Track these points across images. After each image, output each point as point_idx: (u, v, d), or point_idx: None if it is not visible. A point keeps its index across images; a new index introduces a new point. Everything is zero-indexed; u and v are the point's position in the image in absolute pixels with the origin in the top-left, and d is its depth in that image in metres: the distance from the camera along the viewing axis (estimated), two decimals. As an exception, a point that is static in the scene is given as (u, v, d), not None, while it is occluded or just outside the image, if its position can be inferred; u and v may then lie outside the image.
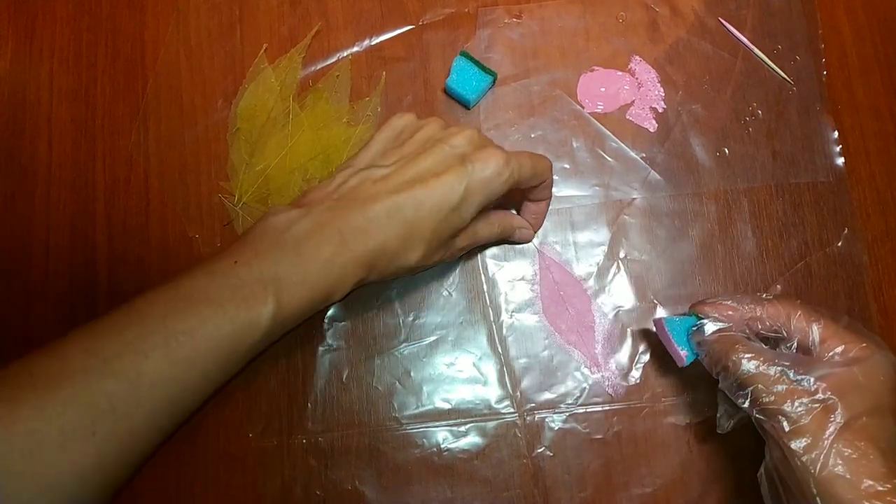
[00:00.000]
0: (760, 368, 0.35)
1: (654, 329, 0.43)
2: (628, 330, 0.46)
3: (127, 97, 0.50)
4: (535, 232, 0.47)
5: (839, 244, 0.47)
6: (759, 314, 0.37)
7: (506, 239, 0.46)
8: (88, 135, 0.50)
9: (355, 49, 0.50)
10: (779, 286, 0.46)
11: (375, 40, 0.50)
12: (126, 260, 0.48)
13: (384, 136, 0.42)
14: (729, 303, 0.38)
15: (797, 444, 0.32)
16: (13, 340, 0.48)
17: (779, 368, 0.35)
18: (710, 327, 0.38)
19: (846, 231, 0.47)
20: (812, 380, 0.34)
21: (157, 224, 0.48)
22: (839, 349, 0.35)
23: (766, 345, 0.38)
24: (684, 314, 0.40)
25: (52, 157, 0.50)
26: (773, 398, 0.34)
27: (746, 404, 0.35)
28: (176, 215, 0.48)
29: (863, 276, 0.46)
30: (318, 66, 0.50)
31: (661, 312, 0.46)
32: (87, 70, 0.51)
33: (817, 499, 0.32)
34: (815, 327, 0.36)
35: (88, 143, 0.50)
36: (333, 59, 0.50)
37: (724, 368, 0.36)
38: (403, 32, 0.50)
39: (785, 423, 0.33)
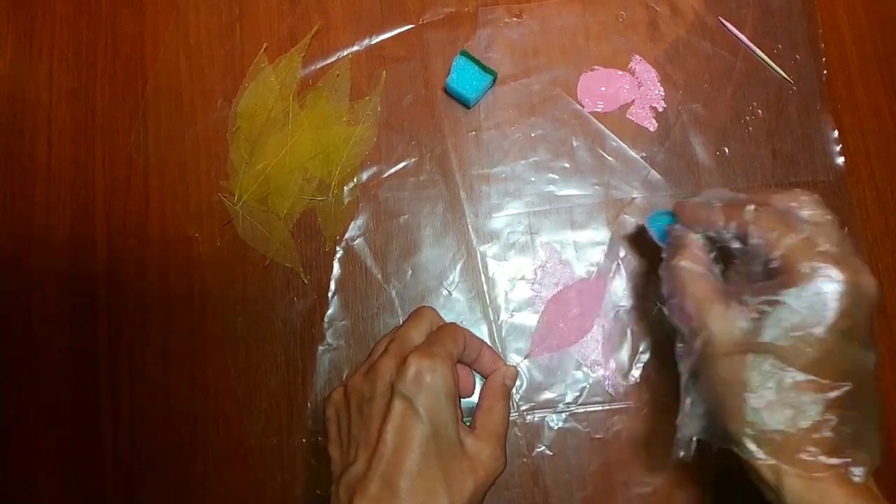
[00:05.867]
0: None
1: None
2: (628, 329, 0.46)
3: (126, 97, 0.50)
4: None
5: (839, 243, 0.47)
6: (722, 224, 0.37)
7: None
8: (88, 134, 0.50)
9: (355, 48, 0.50)
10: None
11: (375, 39, 0.50)
12: (126, 259, 0.48)
13: (333, 422, 0.39)
14: (703, 212, 0.37)
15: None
16: (13, 340, 0.48)
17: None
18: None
19: (846, 230, 0.47)
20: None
21: (156, 223, 0.49)
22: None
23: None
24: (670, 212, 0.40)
25: (52, 156, 0.50)
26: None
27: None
28: (176, 214, 0.48)
29: (863, 275, 0.46)
30: (318, 66, 0.50)
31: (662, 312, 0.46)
32: (86, 69, 0.51)
33: None
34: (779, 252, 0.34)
35: (88, 143, 0.50)
36: (333, 59, 0.50)
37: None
38: (403, 32, 0.50)
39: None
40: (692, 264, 0.36)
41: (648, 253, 0.47)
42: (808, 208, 0.35)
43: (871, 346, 0.33)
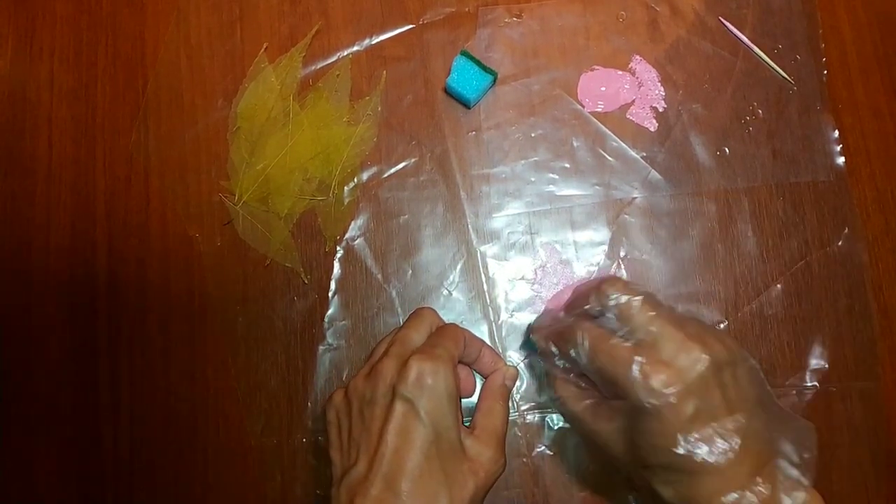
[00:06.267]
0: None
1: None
2: (628, 329, 0.46)
3: (127, 96, 0.50)
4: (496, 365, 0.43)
5: (839, 243, 0.47)
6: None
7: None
8: (88, 134, 0.50)
9: (356, 48, 0.50)
10: (780, 285, 0.46)
11: (376, 39, 0.50)
12: (126, 259, 0.48)
13: (333, 424, 0.39)
14: (542, 346, 0.39)
15: None
16: (13, 340, 0.48)
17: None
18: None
19: (846, 230, 0.47)
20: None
21: (157, 223, 0.49)
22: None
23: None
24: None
25: (52, 156, 0.50)
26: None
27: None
28: (176, 214, 0.49)
29: (863, 275, 0.46)
30: (319, 66, 0.50)
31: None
32: (87, 69, 0.51)
33: None
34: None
35: (88, 143, 0.50)
36: (334, 59, 0.50)
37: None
38: (404, 32, 0.50)
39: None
40: (565, 393, 0.38)
41: (650, 252, 0.47)
42: (615, 308, 0.35)
43: (736, 405, 0.32)
